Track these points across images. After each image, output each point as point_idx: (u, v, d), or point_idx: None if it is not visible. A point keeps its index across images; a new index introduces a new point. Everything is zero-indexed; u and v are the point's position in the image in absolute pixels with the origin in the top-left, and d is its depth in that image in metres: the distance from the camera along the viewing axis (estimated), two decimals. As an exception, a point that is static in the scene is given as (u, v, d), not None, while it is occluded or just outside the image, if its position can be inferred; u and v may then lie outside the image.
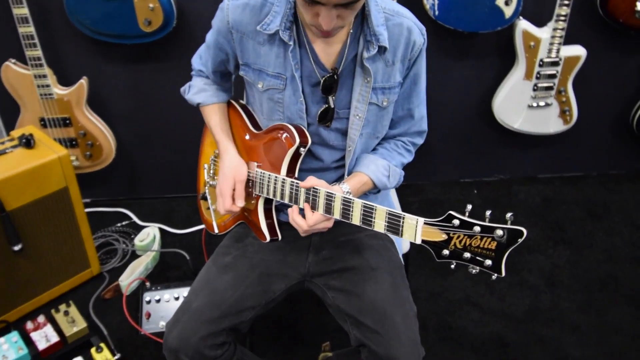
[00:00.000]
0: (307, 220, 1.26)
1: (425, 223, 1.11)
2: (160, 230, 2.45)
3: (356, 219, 1.22)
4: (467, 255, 1.08)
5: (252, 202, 1.44)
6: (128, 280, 2.15)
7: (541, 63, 2.37)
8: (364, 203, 1.20)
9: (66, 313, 1.97)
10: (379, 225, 1.18)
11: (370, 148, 1.43)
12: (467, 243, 1.07)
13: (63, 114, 2.27)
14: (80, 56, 2.30)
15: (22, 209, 1.87)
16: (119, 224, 2.52)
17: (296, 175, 1.38)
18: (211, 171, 1.61)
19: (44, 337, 1.89)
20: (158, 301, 2.04)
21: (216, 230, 1.56)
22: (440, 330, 2.02)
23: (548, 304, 2.13)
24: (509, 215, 1.03)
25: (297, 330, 2.04)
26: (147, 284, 2.08)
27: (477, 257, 1.07)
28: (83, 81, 2.22)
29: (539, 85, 2.42)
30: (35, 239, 1.95)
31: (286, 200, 1.34)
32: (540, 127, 2.57)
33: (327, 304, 1.42)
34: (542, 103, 2.48)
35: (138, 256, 2.33)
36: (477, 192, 2.76)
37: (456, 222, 1.07)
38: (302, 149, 1.35)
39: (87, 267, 2.18)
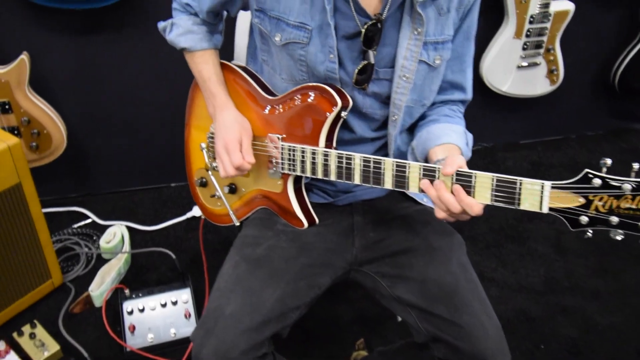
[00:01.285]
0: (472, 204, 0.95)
1: (553, 187, 0.91)
2: (128, 228, 2.13)
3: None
4: (614, 219, 0.88)
5: (279, 183, 1.19)
6: (101, 289, 1.82)
7: (531, 19, 2.24)
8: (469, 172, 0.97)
9: (32, 335, 1.63)
10: (484, 196, 0.96)
11: (414, 118, 1.20)
12: (614, 205, 0.88)
13: (1, 98, 1.88)
14: (19, 27, 1.92)
15: (-34, 214, 1.51)
16: (75, 225, 2.16)
17: (334, 145, 1.14)
18: (211, 150, 1.34)
19: (8, 368, 1.55)
20: (142, 310, 1.74)
21: (236, 222, 1.29)
22: (461, 311, 1.86)
23: (563, 272, 2.03)
24: (636, 166, 0.85)
25: (310, 325, 1.80)
26: (126, 291, 1.77)
27: (630, 221, 0.88)
28: (24, 57, 1.84)
29: (529, 43, 2.30)
30: (-16, 250, 1.59)
31: (333, 177, 1.10)
32: (527, 89, 2.47)
33: (379, 296, 1.21)
34: (530, 62, 2.37)
35: (104, 260, 2.00)
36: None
37: (597, 181, 0.87)
38: (343, 112, 1.11)
39: (48, 277, 1.83)
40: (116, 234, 2.05)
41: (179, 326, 1.72)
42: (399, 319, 1.60)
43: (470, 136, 1.19)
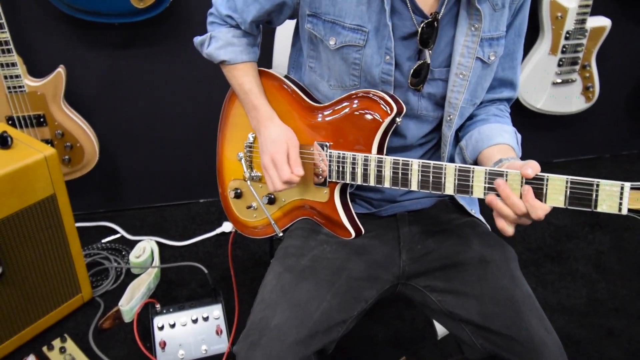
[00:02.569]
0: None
1: (633, 188, 0.87)
2: (157, 243, 2.10)
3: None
4: None
5: (325, 192, 1.16)
6: (131, 304, 1.79)
7: (567, 35, 2.21)
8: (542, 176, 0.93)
9: (62, 350, 1.60)
10: (557, 200, 0.92)
11: (464, 118, 1.18)
12: None
13: (36, 110, 1.88)
14: (55, 40, 1.93)
15: (1, 224, 1.49)
16: (104, 240, 2.14)
17: (384, 152, 1.10)
18: (249, 160, 1.31)
19: (37, 382, 1.51)
20: (173, 326, 1.70)
21: (279, 232, 1.25)
22: (501, 332, 1.79)
23: (606, 294, 1.95)
24: None
25: (343, 343, 1.74)
26: (157, 306, 1.73)
27: None
28: (60, 70, 1.85)
29: (565, 59, 2.26)
30: (18, 260, 1.57)
31: (387, 184, 1.06)
32: (562, 106, 2.42)
33: (429, 311, 1.15)
34: (565, 79, 2.32)
35: (134, 276, 1.97)
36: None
37: None
38: (398, 118, 1.08)
39: (78, 292, 1.80)
40: (146, 249, 2.03)
41: (210, 343, 1.68)
42: (439, 338, 1.54)
43: (519, 136, 1.17)
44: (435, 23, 1.04)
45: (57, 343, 1.62)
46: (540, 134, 2.62)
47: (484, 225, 1.24)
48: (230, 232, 2.17)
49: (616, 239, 2.21)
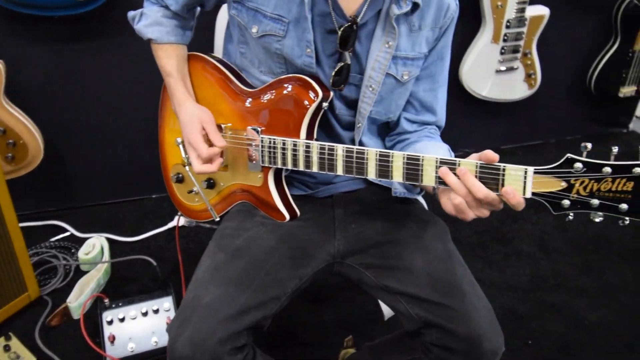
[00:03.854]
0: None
1: (536, 172, 0.91)
2: (108, 240, 2.08)
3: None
4: (595, 202, 0.89)
5: (259, 176, 1.17)
6: (80, 300, 1.77)
7: (508, 24, 2.28)
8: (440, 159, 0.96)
9: (7, 348, 1.57)
10: None
11: (377, 130, 1.22)
12: (595, 188, 0.88)
13: (-25, 107, 1.85)
14: (-7, 35, 1.90)
15: (-63, 222, 1.46)
16: (53, 239, 2.11)
17: (315, 137, 1.13)
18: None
19: (-19, 381, 1.49)
20: (122, 320, 1.69)
21: (215, 216, 1.26)
22: (449, 312, 1.84)
23: (549, 271, 2.02)
24: (615, 149, 0.86)
25: (295, 330, 1.77)
26: (106, 301, 1.72)
27: (609, 203, 0.89)
28: (0, 65, 1.82)
29: (506, 47, 2.34)
30: (-43, 260, 1.54)
31: (315, 169, 1.09)
32: (506, 93, 2.50)
33: (366, 287, 1.18)
34: (509, 67, 2.40)
35: (83, 273, 1.95)
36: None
37: (579, 165, 0.87)
38: (324, 103, 1.10)
39: (24, 290, 1.77)
40: (95, 245, 2.01)
41: (161, 335, 1.67)
42: (385, 319, 1.57)
43: (453, 154, 1.18)
44: (355, 26, 1.06)
45: (1, 341, 1.59)
46: (487, 121, 2.70)
47: (418, 202, 1.28)
48: (182, 226, 2.16)
49: (559, 219, 2.29)
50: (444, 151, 1.13)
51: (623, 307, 1.87)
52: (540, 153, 2.78)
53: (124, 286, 1.93)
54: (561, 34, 2.53)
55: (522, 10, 2.26)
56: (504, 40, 2.32)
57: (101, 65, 2.05)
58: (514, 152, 2.78)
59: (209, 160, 1.12)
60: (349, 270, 1.18)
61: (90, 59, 2.03)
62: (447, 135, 2.80)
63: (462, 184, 0.93)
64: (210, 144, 1.13)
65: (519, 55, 2.38)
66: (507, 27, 2.28)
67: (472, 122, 2.67)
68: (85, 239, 2.10)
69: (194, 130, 1.12)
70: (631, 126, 3.01)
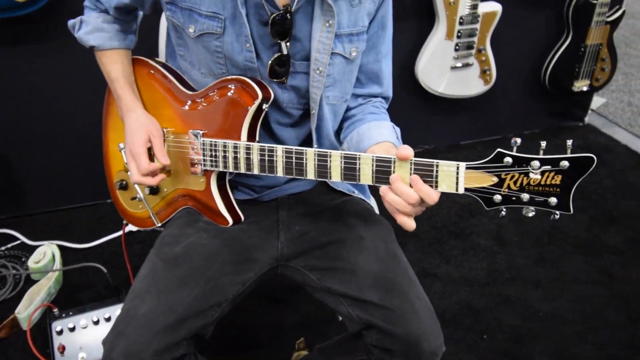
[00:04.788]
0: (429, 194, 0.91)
1: (467, 167, 0.90)
2: (59, 247, 2.03)
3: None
4: (525, 196, 0.89)
5: (201, 181, 1.15)
6: (29, 311, 1.72)
7: (461, 21, 2.30)
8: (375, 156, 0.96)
9: (-51, 363, 1.52)
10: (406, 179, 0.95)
11: (339, 118, 1.19)
12: (525, 182, 0.89)
13: None
14: None
15: None
16: (2, 247, 2.05)
17: (257, 139, 1.11)
18: None
19: None
20: (72, 329, 1.64)
21: (157, 223, 1.24)
22: (406, 308, 1.85)
23: (504, 264, 2.05)
24: (569, 142, 0.86)
25: (253, 332, 1.75)
26: (55, 310, 1.68)
27: (539, 197, 0.89)
28: (-63, 70, 1.76)
29: (460, 44, 2.35)
30: None
31: (256, 171, 1.07)
32: (463, 90, 2.51)
33: (310, 289, 1.17)
34: (464, 63, 2.41)
35: (34, 282, 1.89)
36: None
37: (508, 160, 0.87)
38: (265, 105, 1.09)
39: (-30, 302, 1.72)
40: (46, 253, 1.96)
41: (113, 343, 1.63)
42: (340, 318, 1.56)
43: (398, 129, 1.18)
44: (289, 15, 1.05)
45: (-57, 356, 1.53)
46: (446, 117, 2.71)
47: (364, 202, 1.28)
48: (138, 231, 2.12)
49: (516, 213, 2.31)
50: (387, 131, 1.12)
51: (576, 297, 1.90)
52: (499, 147, 2.80)
53: (77, 294, 1.88)
54: (515, 30, 2.56)
55: (475, 6, 2.28)
56: (458, 37, 2.33)
57: (48, 67, 2.00)
58: (473, 147, 2.81)
59: (148, 173, 1.09)
60: (293, 273, 1.17)
61: (32, 62, 1.97)
62: (406, 132, 2.81)
63: (394, 192, 0.92)
64: (152, 157, 1.11)
65: (473, 51, 2.40)
66: (461, 23, 2.30)
67: (430, 118, 2.69)
68: (37, 247, 2.04)
69: (139, 141, 1.10)
70: (587, 119, 3.07)
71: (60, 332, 1.64)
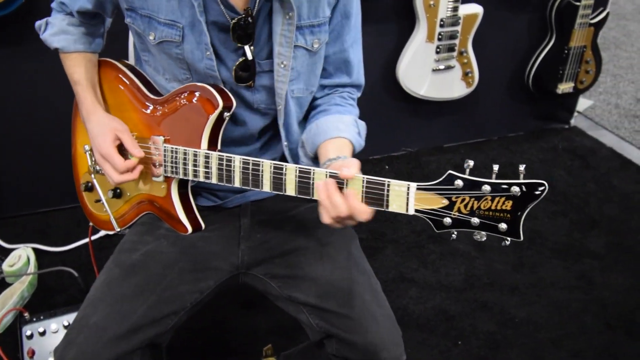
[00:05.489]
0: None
1: (418, 188, 0.89)
2: (35, 250, 2.02)
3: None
4: (475, 221, 0.87)
5: (162, 187, 1.14)
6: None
7: (442, 23, 2.28)
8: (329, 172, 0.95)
9: None
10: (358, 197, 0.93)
11: (305, 110, 1.18)
12: (475, 206, 0.86)
13: None
14: None
15: None
16: (-23, 251, 2.04)
17: (219, 147, 1.10)
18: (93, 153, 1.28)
19: None
20: (43, 334, 1.64)
21: (117, 227, 1.23)
22: (381, 313, 1.84)
23: (483, 269, 2.04)
24: (521, 168, 0.84)
25: (221, 337, 1.74)
26: (26, 315, 1.66)
27: (489, 222, 0.86)
28: None
29: (441, 46, 2.34)
30: None
31: (214, 180, 1.06)
32: (445, 92, 2.50)
33: (272, 297, 1.16)
34: (445, 66, 2.40)
35: (9, 285, 1.88)
36: (388, 168, 2.64)
37: (459, 182, 0.85)
38: (226, 113, 1.07)
39: (-60, 307, 1.71)
40: (21, 257, 1.95)
41: (83, 348, 1.63)
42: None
43: (362, 124, 1.17)
44: (250, 19, 1.04)
45: None
46: (428, 119, 2.70)
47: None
48: (114, 233, 2.10)
49: (496, 217, 2.31)
50: (345, 125, 1.10)
51: (552, 303, 1.89)
52: (482, 151, 2.80)
53: (51, 298, 1.87)
54: (497, 32, 2.55)
55: (455, 9, 2.27)
56: (439, 40, 2.32)
57: (24, 71, 1.99)
58: (456, 150, 2.79)
59: (126, 170, 1.08)
60: (255, 281, 1.16)
61: (7, 64, 1.96)
62: (389, 135, 2.81)
63: (327, 199, 0.91)
64: (124, 154, 1.10)
65: (454, 54, 2.39)
66: (441, 26, 2.29)
67: (413, 120, 2.68)
68: (12, 249, 2.03)
69: (107, 142, 1.09)
70: (572, 122, 3.06)
71: (30, 337, 1.63)
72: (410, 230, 2.21)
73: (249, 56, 1.07)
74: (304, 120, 1.22)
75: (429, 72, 2.40)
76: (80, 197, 1.37)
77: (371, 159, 2.69)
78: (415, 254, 2.09)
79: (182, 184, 1.15)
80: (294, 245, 1.15)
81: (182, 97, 1.09)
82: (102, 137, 1.09)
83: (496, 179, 0.85)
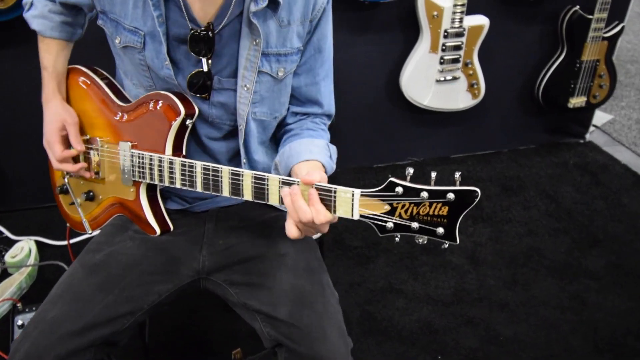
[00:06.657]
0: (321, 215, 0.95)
1: (362, 195, 0.93)
2: (38, 243, 2.10)
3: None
4: (415, 225, 0.92)
5: (131, 190, 1.18)
6: (-5, 304, 1.79)
7: (445, 34, 2.27)
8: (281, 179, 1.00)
9: None
10: None
11: (269, 133, 1.21)
12: (415, 212, 0.91)
13: None
14: None
15: None
16: (-16, 241, 2.13)
17: (184, 153, 1.14)
18: None
19: None
20: (33, 325, 1.70)
21: (88, 230, 1.28)
22: (364, 323, 1.84)
23: (474, 284, 2.02)
24: (457, 175, 0.89)
25: (201, 339, 1.78)
26: (19, 305, 1.73)
27: (427, 226, 0.91)
28: None
29: (445, 57, 2.33)
30: None
31: (178, 185, 1.11)
32: (449, 103, 2.49)
33: (231, 304, 1.19)
34: (449, 77, 2.39)
35: (10, 275, 1.96)
36: (392, 177, 2.63)
37: (399, 189, 0.90)
38: (188, 121, 1.11)
39: (-58, 293, 1.80)
40: (23, 248, 2.03)
41: (70, 341, 1.68)
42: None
43: (333, 148, 1.20)
44: (210, 33, 1.06)
45: None
46: (435, 130, 2.69)
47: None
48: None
49: (495, 232, 2.28)
50: (318, 149, 1.13)
51: (541, 322, 1.86)
52: (490, 163, 2.77)
53: (48, 290, 1.93)
54: (505, 43, 2.51)
55: (460, 20, 2.25)
56: (443, 50, 2.31)
57: (31, 70, 2.05)
58: (463, 161, 2.77)
59: (64, 160, 1.17)
60: (215, 287, 1.19)
61: (14, 64, 2.05)
62: (395, 144, 2.80)
63: (292, 204, 0.94)
64: (68, 145, 1.18)
65: (459, 65, 2.37)
66: (445, 37, 2.27)
67: (420, 130, 2.66)
68: (18, 241, 2.12)
69: (53, 130, 1.18)
70: (588, 136, 2.99)
71: (21, 326, 1.69)
72: (404, 241, 2.20)
73: (205, 68, 1.10)
74: (273, 143, 1.26)
75: (432, 82, 2.39)
76: (56, 199, 1.43)
77: (375, 167, 2.69)
78: (406, 265, 2.09)
79: (151, 188, 1.19)
80: (253, 253, 1.17)
81: (148, 104, 1.13)
82: (51, 125, 1.18)
83: (435, 185, 0.90)
